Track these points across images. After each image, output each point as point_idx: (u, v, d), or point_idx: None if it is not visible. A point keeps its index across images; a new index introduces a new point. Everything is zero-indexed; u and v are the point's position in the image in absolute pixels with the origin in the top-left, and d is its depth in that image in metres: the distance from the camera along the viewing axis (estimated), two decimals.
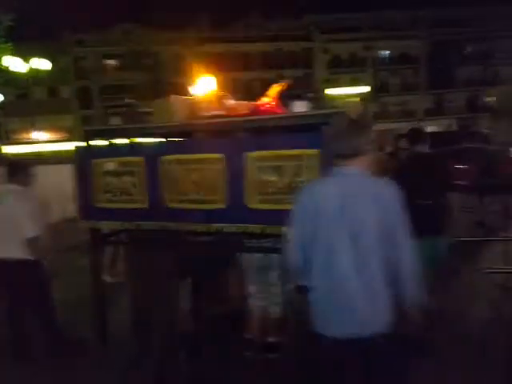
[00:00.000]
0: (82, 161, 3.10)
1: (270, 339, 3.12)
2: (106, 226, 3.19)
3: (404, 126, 25.05)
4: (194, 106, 2.87)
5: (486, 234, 6.11)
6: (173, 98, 2.95)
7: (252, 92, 33.04)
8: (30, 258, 2.95)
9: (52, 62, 32.67)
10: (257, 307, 3.14)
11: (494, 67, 33.64)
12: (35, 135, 31.37)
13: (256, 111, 2.79)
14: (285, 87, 2.77)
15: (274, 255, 2.96)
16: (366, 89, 34.30)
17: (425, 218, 2.86)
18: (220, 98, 2.84)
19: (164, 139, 3.17)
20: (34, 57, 14.75)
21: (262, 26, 34.53)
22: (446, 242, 3.22)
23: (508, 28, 29.08)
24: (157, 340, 3.00)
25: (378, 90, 34.89)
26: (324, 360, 1.79)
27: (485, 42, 33.02)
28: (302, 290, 1.86)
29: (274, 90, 2.81)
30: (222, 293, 3.20)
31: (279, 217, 2.58)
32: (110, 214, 3.05)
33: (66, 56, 32.55)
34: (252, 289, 3.14)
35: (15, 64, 13.97)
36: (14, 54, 14.36)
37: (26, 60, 14.53)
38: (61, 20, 31.63)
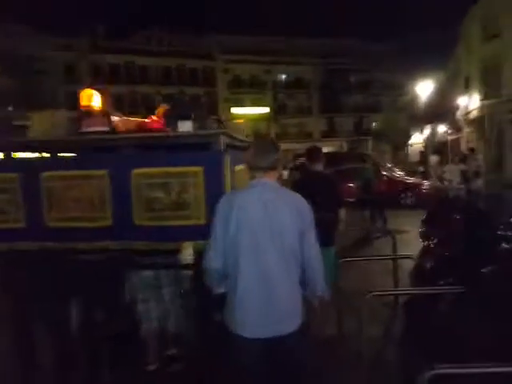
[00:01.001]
0: None
1: (169, 352, 3.13)
2: None
3: (302, 147, 27.21)
4: (77, 121, 2.83)
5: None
6: (54, 111, 2.86)
7: (152, 106, 32.47)
8: None
9: None
10: (146, 328, 3.13)
11: (376, 96, 38.44)
12: None
13: (143, 128, 2.86)
14: (166, 109, 2.90)
15: (165, 272, 3.04)
16: (266, 109, 36.36)
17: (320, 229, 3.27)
18: (105, 114, 2.85)
19: (44, 154, 3.04)
20: None
21: (162, 41, 34.36)
22: (333, 252, 3.59)
23: (386, 63, 33.77)
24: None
25: (278, 111, 37.27)
26: (240, 360, 1.94)
27: (367, 73, 37.61)
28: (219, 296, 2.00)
29: (160, 110, 2.92)
30: (112, 312, 3.13)
31: (166, 233, 2.69)
32: None
33: None
34: (141, 308, 3.13)
35: None
36: None
37: None
38: None
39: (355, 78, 38.77)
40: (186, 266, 2.87)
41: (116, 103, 29.82)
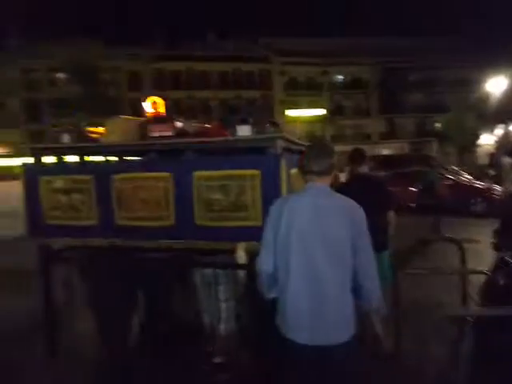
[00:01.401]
0: (31, 178, 3.15)
1: (216, 360, 3.23)
2: (54, 242, 3.23)
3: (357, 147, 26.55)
4: (143, 127, 3.05)
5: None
6: (124, 118, 3.10)
7: (209, 110, 33.47)
8: None
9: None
10: (206, 324, 3.28)
11: (440, 94, 36.44)
12: None
13: (204, 133, 3.02)
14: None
15: (223, 271, 3.16)
16: (322, 111, 35.95)
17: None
18: (170, 119, 3.04)
19: (114, 158, 3.30)
20: None
21: (221, 46, 35.34)
22: (387, 256, 3.44)
23: (451, 58, 31.88)
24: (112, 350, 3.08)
25: (334, 112, 36.70)
26: (292, 365, 1.94)
27: (430, 71, 35.78)
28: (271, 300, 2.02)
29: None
30: (173, 308, 3.32)
31: (225, 233, 2.80)
32: (59, 231, 3.11)
33: (13, 67, 31.40)
34: (203, 304, 3.28)
35: None
36: None
37: None
38: (8, 30, 30.36)
39: (417, 77, 37.04)
40: (241, 266, 2.96)
41: (175, 108, 31.27)
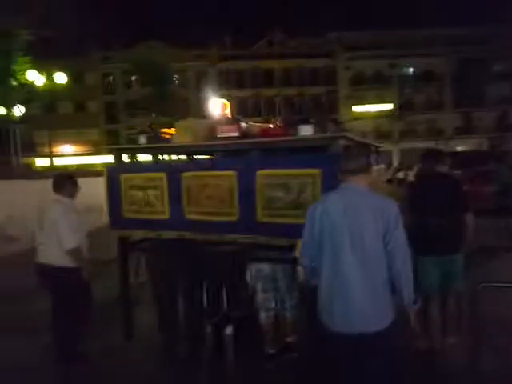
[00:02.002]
0: (112, 176, 3.54)
1: (288, 339, 3.40)
2: (131, 234, 3.60)
3: (432, 145, 25.20)
4: (211, 128, 3.27)
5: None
6: (193, 120, 3.35)
7: (274, 107, 33.75)
8: (70, 265, 3.27)
9: (80, 77, 34.29)
10: (266, 314, 3.44)
11: None
12: (62, 148, 32.84)
13: (267, 133, 3.16)
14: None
15: (282, 265, 3.29)
16: (390, 106, 34.49)
17: (438, 236, 3.11)
18: (236, 121, 3.23)
19: (184, 157, 3.58)
20: (56, 71, 15.41)
21: (285, 43, 35.40)
22: (460, 259, 3.32)
23: None
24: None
25: (403, 107, 35.00)
26: (329, 350, 2.15)
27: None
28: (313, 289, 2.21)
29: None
30: (234, 298, 3.53)
31: (286, 229, 2.92)
32: (136, 224, 3.46)
33: (93, 72, 34.29)
34: (260, 297, 3.45)
35: (38, 78, 14.54)
36: (35, 68, 15.04)
37: (48, 74, 15.24)
38: (89, 37, 33.19)
39: (498, 67, 34.04)
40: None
41: (241, 106, 31.99)
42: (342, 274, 2.01)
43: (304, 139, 2.82)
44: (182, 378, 3.21)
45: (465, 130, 34.35)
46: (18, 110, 15.55)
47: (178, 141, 3.39)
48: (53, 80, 15.27)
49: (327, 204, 2.12)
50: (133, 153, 3.63)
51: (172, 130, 3.57)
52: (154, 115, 29.67)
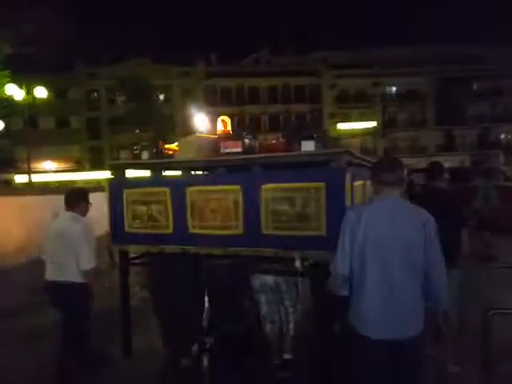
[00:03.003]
0: (115, 191, 3.60)
1: (286, 356, 3.46)
2: (134, 249, 3.64)
3: (415, 162, 25.85)
4: (214, 144, 3.40)
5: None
6: (197, 136, 3.47)
7: (259, 125, 34.16)
8: (82, 281, 3.27)
9: (63, 93, 34.09)
10: (270, 327, 3.51)
11: (504, 103, 34.65)
12: (43, 164, 32.35)
13: (270, 149, 3.30)
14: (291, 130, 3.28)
15: (286, 278, 3.39)
16: (374, 124, 35.43)
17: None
18: (239, 137, 3.36)
19: (188, 172, 3.68)
20: (37, 86, 15.18)
21: (271, 62, 36.17)
22: (457, 276, 3.38)
23: None
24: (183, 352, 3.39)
25: (386, 125, 36.01)
26: (365, 359, 2.18)
27: (493, 79, 34.20)
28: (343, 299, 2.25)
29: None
30: (239, 312, 3.58)
31: (290, 242, 3.03)
32: (138, 239, 3.52)
33: (78, 88, 34.19)
34: (263, 310, 3.52)
35: (17, 93, 14.21)
36: (15, 82, 14.84)
37: (28, 89, 15.01)
38: (74, 53, 33.25)
39: (479, 86, 35.51)
40: (303, 274, 3.17)
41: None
42: (388, 284, 2.08)
43: (309, 154, 2.96)
44: None
45: (447, 147, 35.46)
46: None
47: (181, 156, 3.49)
48: (33, 95, 14.96)
49: (371, 213, 2.18)
50: (137, 168, 3.71)
51: (175, 147, 3.67)
52: (137, 131, 29.67)
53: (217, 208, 3.24)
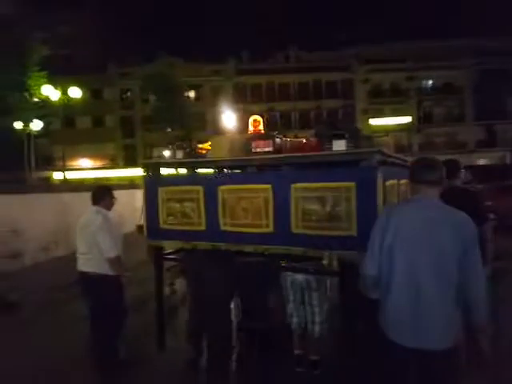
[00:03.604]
0: (150, 188, 3.76)
1: (312, 357, 3.52)
2: (168, 245, 3.80)
3: (449, 157, 24.99)
4: (246, 143, 3.48)
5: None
6: (229, 135, 3.56)
7: (289, 122, 33.99)
8: (111, 273, 3.51)
9: (98, 93, 35.22)
10: (296, 325, 3.57)
11: None
12: (80, 162, 33.63)
13: (301, 148, 3.35)
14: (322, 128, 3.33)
15: (315, 277, 3.43)
16: (408, 119, 34.48)
17: None
18: (271, 136, 3.43)
19: (220, 171, 3.79)
20: (72, 86, 15.44)
21: (302, 58, 35.92)
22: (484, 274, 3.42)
23: None
24: (211, 347, 3.51)
25: (422, 120, 34.95)
26: (391, 363, 2.14)
27: None
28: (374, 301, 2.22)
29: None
30: (267, 309, 3.66)
31: (320, 241, 3.06)
32: (172, 235, 3.66)
33: (111, 88, 35.32)
34: (291, 308, 3.58)
35: (53, 93, 14.79)
36: (51, 83, 15.27)
37: (64, 90, 15.34)
38: (108, 54, 34.39)
39: None
40: (334, 273, 3.20)
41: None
42: (416, 290, 2.00)
43: (340, 154, 2.98)
44: None
45: (487, 143, 34.00)
46: (36, 125, 16.02)
47: (213, 155, 3.59)
48: (68, 95, 15.44)
49: (402, 214, 2.12)
50: (171, 167, 3.85)
51: (207, 146, 3.78)
52: (169, 130, 30.29)
53: (248, 206, 3.31)
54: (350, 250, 2.89)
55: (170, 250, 3.97)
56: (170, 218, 3.67)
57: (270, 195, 3.21)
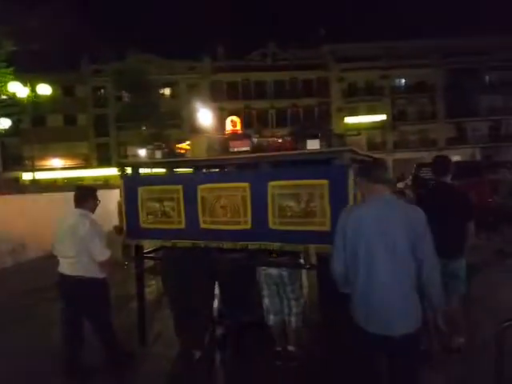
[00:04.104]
0: (129, 187, 3.84)
1: (289, 348, 3.69)
2: (148, 243, 3.89)
3: (425, 155, 25.83)
4: (224, 143, 3.61)
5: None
6: (207, 135, 3.69)
7: (266, 120, 34.21)
8: (99, 276, 3.53)
9: (70, 90, 34.36)
10: (273, 322, 3.72)
11: None
12: (51, 162, 32.80)
13: (276, 147, 3.50)
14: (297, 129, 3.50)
15: (290, 271, 3.60)
16: (383, 117, 35.34)
17: (445, 241, 3.36)
18: (247, 136, 3.57)
19: (199, 170, 3.91)
20: (41, 83, 14.58)
21: (277, 56, 36.19)
22: (462, 263, 3.64)
23: None
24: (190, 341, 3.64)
25: (396, 118, 35.89)
26: (362, 350, 2.33)
27: (505, 70, 33.89)
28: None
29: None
30: (246, 304, 3.81)
31: (296, 236, 3.24)
32: (152, 234, 3.76)
33: (84, 85, 34.60)
34: (266, 303, 3.73)
35: (19, 90, 13.97)
36: (19, 80, 14.69)
37: (33, 87, 14.58)
38: (80, 50, 33.64)
39: (491, 77, 35.21)
40: (310, 267, 3.39)
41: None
42: (376, 280, 2.20)
43: (313, 152, 3.16)
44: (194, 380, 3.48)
45: (458, 140, 35.26)
46: (3, 123, 15.43)
47: (192, 155, 3.71)
48: (36, 92, 14.66)
49: (360, 213, 2.32)
50: (150, 167, 3.94)
51: (186, 146, 3.90)
52: (144, 128, 29.97)
53: (226, 204, 3.45)
54: (324, 243, 3.06)
55: (149, 249, 4.07)
56: (150, 217, 3.77)
57: (248, 193, 3.36)
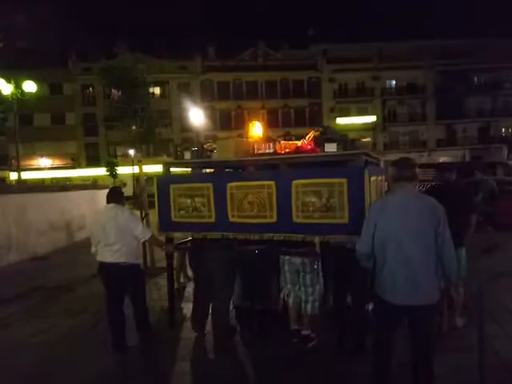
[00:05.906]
0: (162, 186, 4.32)
1: (304, 332, 4.18)
2: (179, 236, 4.37)
3: (415, 156, 26.68)
4: (250, 146, 4.12)
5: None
6: (235, 138, 4.19)
7: (258, 119, 34.73)
8: (136, 262, 4.12)
9: (58, 89, 34.20)
10: (292, 303, 4.21)
11: (504, 97, 35.51)
12: (38, 161, 32.67)
13: (298, 150, 4.02)
14: (317, 133, 4.03)
15: (311, 259, 4.09)
16: (373, 118, 36.19)
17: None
18: (271, 140, 4.08)
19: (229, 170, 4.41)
20: (27, 80, 14.24)
21: (268, 56, 36.72)
22: (463, 253, 4.18)
23: None
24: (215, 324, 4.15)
25: (386, 119, 36.79)
26: (383, 320, 2.83)
27: (493, 72, 35.08)
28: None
29: (311, 135, 4.06)
30: (266, 290, 4.30)
31: (317, 229, 3.74)
32: (184, 227, 4.24)
33: (72, 83, 34.58)
34: (289, 288, 4.22)
35: (3, 87, 13.64)
36: (3, 77, 13.89)
37: (18, 84, 14.13)
38: (68, 48, 33.67)
39: (480, 79, 36.39)
40: (327, 255, 3.90)
41: (224, 118, 32.70)
42: (405, 260, 2.65)
43: (333, 154, 3.69)
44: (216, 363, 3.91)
45: (447, 142, 36.32)
46: None
47: (219, 156, 4.21)
48: (22, 89, 14.30)
49: (389, 203, 2.81)
50: (181, 167, 4.43)
51: (210, 146, 4.39)
52: (134, 127, 30.13)
53: (253, 200, 3.95)
54: (343, 234, 3.59)
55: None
56: (182, 212, 4.24)
57: (274, 190, 3.86)
